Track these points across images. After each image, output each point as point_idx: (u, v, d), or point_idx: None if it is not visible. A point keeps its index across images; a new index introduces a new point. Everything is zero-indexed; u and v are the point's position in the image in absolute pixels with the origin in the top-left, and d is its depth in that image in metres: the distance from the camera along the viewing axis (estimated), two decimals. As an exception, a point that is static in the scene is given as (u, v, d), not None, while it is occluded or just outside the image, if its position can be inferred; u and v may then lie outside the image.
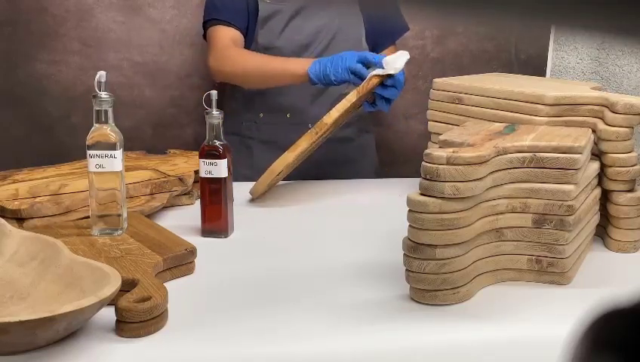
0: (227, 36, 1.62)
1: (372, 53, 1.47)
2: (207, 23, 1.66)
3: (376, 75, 1.41)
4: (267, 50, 1.61)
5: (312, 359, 0.85)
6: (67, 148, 1.84)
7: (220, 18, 1.63)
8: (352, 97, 1.39)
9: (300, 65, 1.51)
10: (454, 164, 0.91)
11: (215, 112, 1.21)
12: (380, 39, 1.71)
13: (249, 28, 1.65)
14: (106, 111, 1.10)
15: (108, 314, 0.86)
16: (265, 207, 1.44)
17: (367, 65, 1.44)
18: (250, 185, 1.45)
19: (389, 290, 0.99)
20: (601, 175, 1.18)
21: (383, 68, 1.41)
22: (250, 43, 1.64)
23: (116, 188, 1.12)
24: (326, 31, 1.65)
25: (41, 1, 1.92)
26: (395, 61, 1.42)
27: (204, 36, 1.68)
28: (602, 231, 1.22)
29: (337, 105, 1.38)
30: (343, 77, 1.45)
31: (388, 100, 1.47)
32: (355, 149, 1.74)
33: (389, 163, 2.01)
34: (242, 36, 1.64)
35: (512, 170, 1.00)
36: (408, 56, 1.44)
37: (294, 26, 1.63)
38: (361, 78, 1.43)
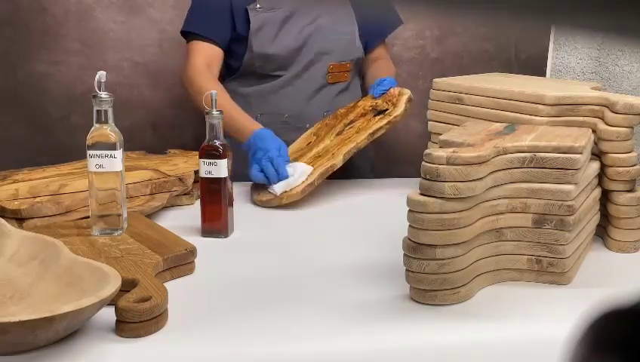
0: (204, 55, 1.62)
1: (284, 168, 1.43)
2: (187, 36, 1.67)
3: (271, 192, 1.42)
4: (262, 57, 1.63)
5: (313, 359, 0.85)
6: (67, 148, 1.84)
7: (200, 33, 1.64)
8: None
9: (246, 129, 1.52)
10: (454, 164, 0.91)
11: (215, 112, 1.21)
12: (373, 34, 1.74)
13: (239, 38, 1.64)
14: (106, 112, 1.10)
15: (108, 314, 0.86)
16: (265, 207, 1.44)
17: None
18: (250, 185, 1.45)
19: (389, 290, 0.99)
20: (601, 175, 1.18)
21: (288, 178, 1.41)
22: (244, 52, 1.64)
23: (116, 188, 1.12)
24: (318, 31, 1.66)
25: (41, 1, 1.92)
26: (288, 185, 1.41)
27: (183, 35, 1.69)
28: (602, 231, 1.21)
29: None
30: (251, 173, 1.45)
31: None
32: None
33: (389, 163, 2.01)
34: (220, 51, 1.65)
35: (512, 170, 1.00)
36: (305, 175, 1.43)
37: (286, 31, 1.64)
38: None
